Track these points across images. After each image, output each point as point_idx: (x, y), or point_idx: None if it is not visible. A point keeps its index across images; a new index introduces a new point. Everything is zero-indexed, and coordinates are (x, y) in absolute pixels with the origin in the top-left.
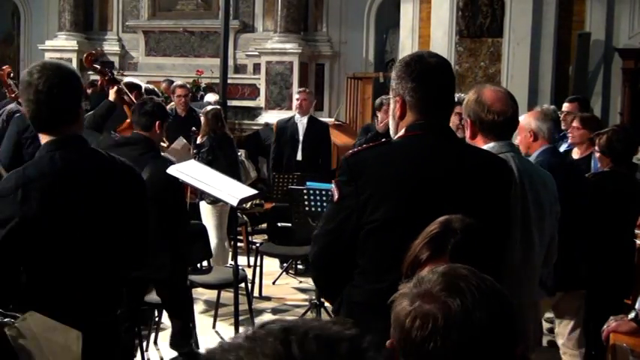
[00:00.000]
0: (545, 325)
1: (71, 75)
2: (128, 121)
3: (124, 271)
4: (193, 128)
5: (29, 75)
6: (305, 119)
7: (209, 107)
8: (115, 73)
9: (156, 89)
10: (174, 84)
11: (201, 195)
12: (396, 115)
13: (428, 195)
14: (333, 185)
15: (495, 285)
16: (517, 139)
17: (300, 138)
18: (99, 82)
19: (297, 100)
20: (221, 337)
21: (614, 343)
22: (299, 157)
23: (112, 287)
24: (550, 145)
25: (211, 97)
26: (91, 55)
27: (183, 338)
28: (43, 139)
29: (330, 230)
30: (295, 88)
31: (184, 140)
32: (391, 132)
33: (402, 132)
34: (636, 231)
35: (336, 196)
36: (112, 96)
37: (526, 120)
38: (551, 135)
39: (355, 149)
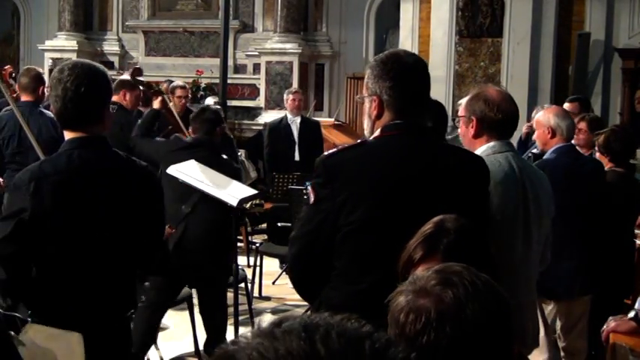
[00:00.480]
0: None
1: (101, 76)
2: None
3: (135, 273)
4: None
5: (60, 72)
6: (298, 119)
7: (210, 108)
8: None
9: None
10: (174, 84)
11: None
12: (372, 114)
13: (405, 195)
14: (309, 187)
15: (491, 282)
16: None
17: (296, 138)
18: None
19: (293, 100)
20: None
21: (614, 342)
22: (297, 157)
23: (125, 288)
24: (566, 144)
25: (210, 101)
26: (137, 71)
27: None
28: (67, 136)
29: (307, 232)
30: (295, 88)
31: None
32: (366, 132)
33: (377, 132)
34: (636, 231)
35: (312, 199)
36: (156, 105)
37: (545, 116)
38: (571, 133)
39: (331, 151)
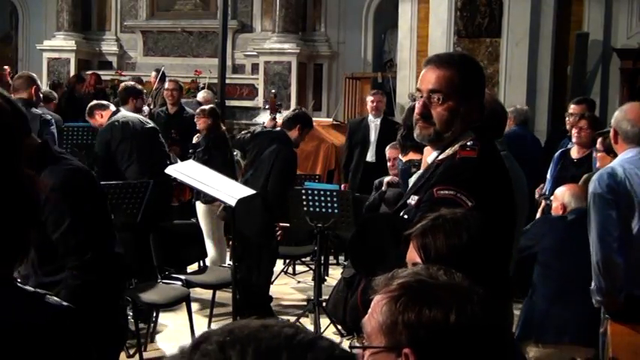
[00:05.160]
0: None
1: None
2: None
3: None
4: (172, 131)
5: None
6: (378, 120)
7: (205, 106)
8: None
9: (137, 86)
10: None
11: (197, 194)
12: (473, 117)
13: None
14: (447, 192)
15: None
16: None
17: (373, 139)
18: (89, 80)
19: (372, 102)
20: None
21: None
22: (369, 158)
23: None
24: None
25: (202, 94)
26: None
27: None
28: None
29: None
30: (294, 88)
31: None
32: (445, 131)
33: (470, 134)
34: None
35: (469, 203)
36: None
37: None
38: None
39: (471, 154)
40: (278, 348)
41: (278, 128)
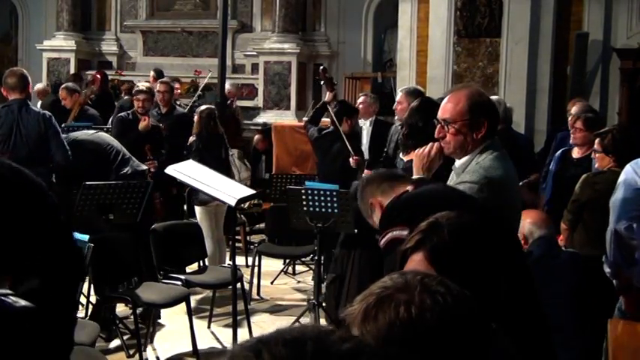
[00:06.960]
0: None
1: None
2: None
3: None
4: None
5: None
6: (368, 122)
7: (203, 107)
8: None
9: (146, 85)
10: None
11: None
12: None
13: None
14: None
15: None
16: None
17: (365, 141)
18: (95, 81)
19: (359, 105)
20: (216, 338)
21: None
22: None
23: None
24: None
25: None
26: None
27: None
28: None
29: None
30: (293, 87)
31: None
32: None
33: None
34: None
35: None
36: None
37: None
38: None
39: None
40: (304, 340)
41: (331, 128)
